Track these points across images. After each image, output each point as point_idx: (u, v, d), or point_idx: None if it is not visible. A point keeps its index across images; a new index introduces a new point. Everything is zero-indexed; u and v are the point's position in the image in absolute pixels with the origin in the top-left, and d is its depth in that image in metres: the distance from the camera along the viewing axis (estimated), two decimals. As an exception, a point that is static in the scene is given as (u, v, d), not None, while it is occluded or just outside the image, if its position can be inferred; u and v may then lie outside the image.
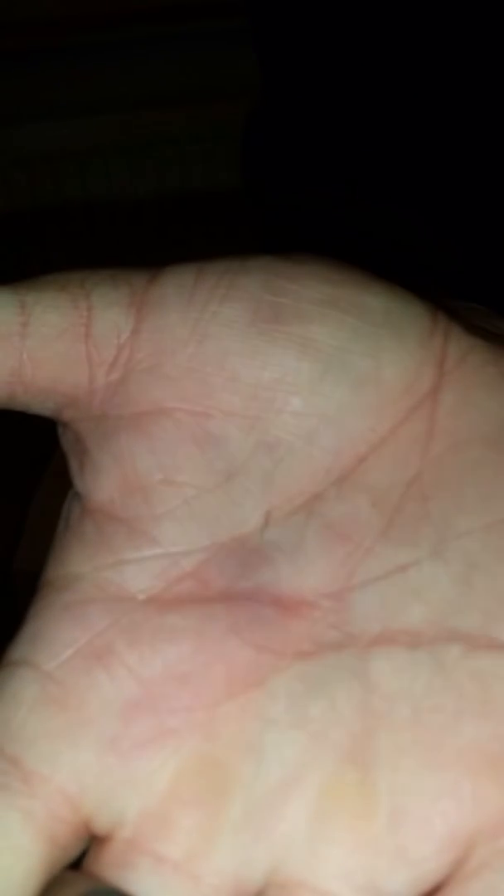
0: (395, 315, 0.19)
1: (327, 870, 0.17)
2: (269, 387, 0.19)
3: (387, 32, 0.35)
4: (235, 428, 0.19)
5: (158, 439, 0.19)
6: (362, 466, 0.19)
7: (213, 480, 0.19)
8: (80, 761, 0.17)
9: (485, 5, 0.34)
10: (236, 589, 0.19)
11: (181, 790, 0.17)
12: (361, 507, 0.19)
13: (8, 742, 0.18)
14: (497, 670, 0.17)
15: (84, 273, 0.20)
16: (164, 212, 0.87)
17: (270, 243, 0.39)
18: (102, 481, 0.19)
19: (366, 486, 0.19)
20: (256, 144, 0.42)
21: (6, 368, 0.19)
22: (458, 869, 0.17)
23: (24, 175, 0.86)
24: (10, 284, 0.20)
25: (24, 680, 0.18)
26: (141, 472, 0.19)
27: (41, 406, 0.20)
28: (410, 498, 0.19)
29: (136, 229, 0.87)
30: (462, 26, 0.34)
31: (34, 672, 0.18)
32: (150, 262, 0.20)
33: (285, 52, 0.39)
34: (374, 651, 0.18)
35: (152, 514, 0.19)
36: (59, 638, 0.18)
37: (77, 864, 0.18)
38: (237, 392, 0.19)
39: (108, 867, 0.17)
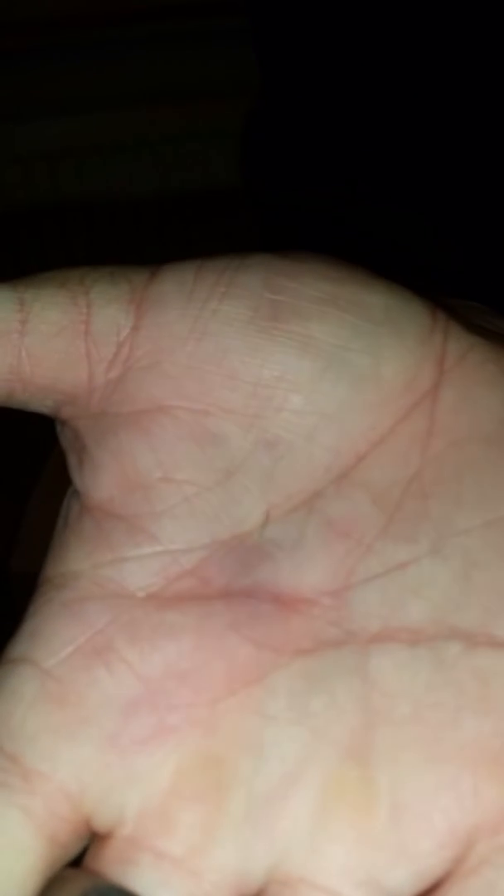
0: (395, 313, 0.19)
1: (328, 866, 0.17)
2: (268, 385, 0.19)
3: (386, 31, 0.35)
4: (235, 426, 0.19)
5: (158, 437, 0.19)
6: (362, 464, 0.19)
7: (213, 478, 0.19)
8: (80, 758, 0.18)
9: (485, 4, 0.34)
10: (236, 586, 0.19)
11: (182, 787, 0.17)
12: (361, 504, 0.19)
13: (8, 740, 0.18)
14: (497, 667, 0.17)
15: (83, 270, 0.20)
16: (163, 210, 0.87)
17: (270, 242, 0.39)
18: (102, 479, 0.19)
19: (366, 483, 0.19)
20: (256, 143, 0.42)
21: (5, 366, 0.19)
22: (458, 865, 0.17)
23: (22, 173, 0.86)
24: (8, 282, 0.20)
25: (23, 677, 0.18)
26: (140, 469, 0.19)
27: (40, 404, 0.20)
28: (410, 495, 0.19)
29: (135, 228, 0.87)
30: (462, 25, 0.34)
31: (34, 669, 0.18)
32: (149, 261, 0.20)
33: (285, 50, 0.39)
34: (374, 648, 0.18)
35: (152, 512, 0.19)
36: (58, 635, 0.18)
37: (78, 862, 0.18)
38: (237, 390, 0.19)
39: (109, 864, 0.17)
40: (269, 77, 0.40)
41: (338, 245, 0.24)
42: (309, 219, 0.37)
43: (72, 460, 0.20)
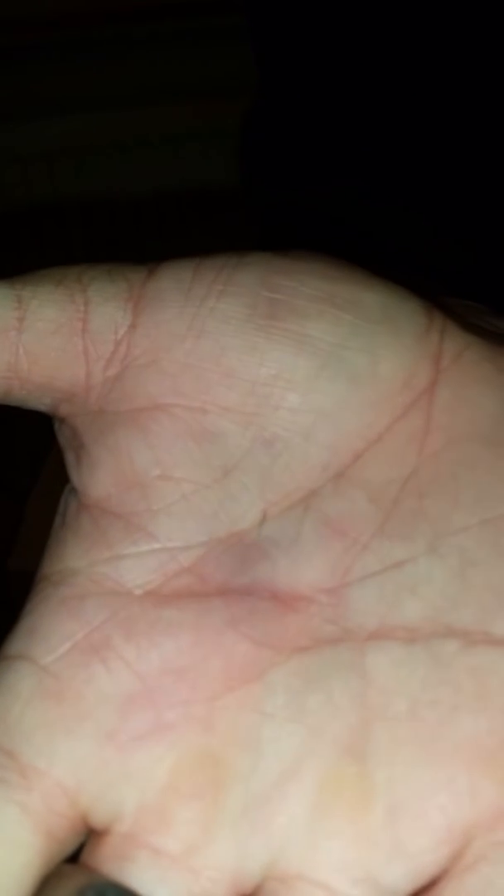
0: (392, 312, 0.19)
1: (325, 863, 0.17)
2: (266, 383, 0.19)
3: (385, 30, 0.35)
4: (232, 424, 0.19)
5: (155, 435, 0.19)
6: (359, 462, 0.19)
7: (211, 476, 0.19)
8: (78, 755, 0.18)
9: (484, 3, 0.34)
10: (234, 584, 0.19)
11: (179, 784, 0.17)
12: (358, 502, 0.19)
13: (5, 736, 0.18)
14: (493, 665, 0.18)
15: (81, 268, 0.20)
16: (161, 209, 0.87)
17: (268, 241, 0.40)
18: (99, 476, 0.19)
19: (363, 482, 0.19)
20: (254, 142, 0.42)
21: (2, 363, 0.19)
22: (454, 862, 0.17)
23: (20, 172, 0.86)
24: (6, 279, 0.20)
25: (20, 674, 0.18)
26: (138, 467, 0.19)
27: (37, 401, 0.20)
28: (407, 494, 0.19)
29: (134, 227, 0.87)
30: (461, 24, 0.34)
31: (31, 666, 0.18)
32: (147, 259, 0.20)
33: (283, 49, 0.39)
34: (370, 646, 0.18)
35: (149, 510, 0.19)
36: (55, 632, 0.18)
37: (74, 858, 0.18)
38: (234, 388, 0.19)
39: (106, 861, 0.17)
40: (267, 76, 0.40)
41: (336, 244, 0.24)
42: (307, 218, 0.37)
43: (69, 458, 0.20)
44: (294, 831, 0.17)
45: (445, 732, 0.17)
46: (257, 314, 0.19)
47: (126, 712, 0.18)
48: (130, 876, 0.17)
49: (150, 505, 0.19)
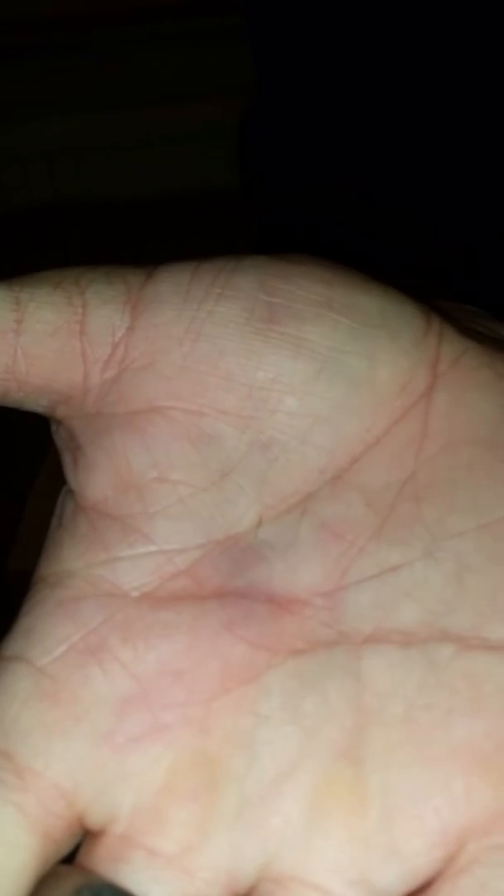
0: (390, 316, 0.19)
1: (319, 864, 0.17)
2: (263, 386, 0.19)
3: (385, 29, 0.35)
4: (230, 427, 0.19)
5: (153, 437, 0.19)
6: (356, 466, 0.19)
7: (208, 479, 0.19)
8: (74, 756, 0.18)
9: (484, 3, 0.34)
10: (230, 586, 0.19)
11: (175, 785, 0.17)
12: (355, 506, 0.19)
13: (1, 737, 0.18)
14: (488, 670, 0.18)
15: (79, 270, 0.20)
16: (160, 210, 0.87)
17: (267, 241, 0.40)
18: (96, 479, 0.19)
19: (360, 485, 0.19)
20: (253, 142, 0.42)
21: (0, 365, 0.19)
22: (448, 865, 0.17)
23: (20, 173, 0.86)
24: (4, 281, 0.20)
25: (17, 675, 0.18)
26: (135, 469, 0.19)
27: (35, 403, 0.20)
28: (404, 498, 0.19)
29: (133, 228, 0.87)
30: (461, 23, 0.34)
31: (27, 667, 0.18)
32: (146, 261, 0.20)
33: (282, 49, 0.39)
34: (366, 649, 0.18)
35: (146, 512, 0.19)
36: (52, 634, 0.18)
37: (70, 859, 0.18)
38: (232, 391, 0.19)
39: (102, 862, 0.17)
40: (266, 76, 0.40)
41: (334, 245, 0.24)
42: (306, 218, 0.37)
43: (66, 460, 0.20)
44: (289, 833, 0.17)
45: (440, 736, 0.17)
46: (255, 318, 0.19)
47: (122, 714, 0.18)
48: (126, 877, 0.17)
49: (147, 507, 0.19)
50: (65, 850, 0.18)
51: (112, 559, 0.19)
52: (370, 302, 0.19)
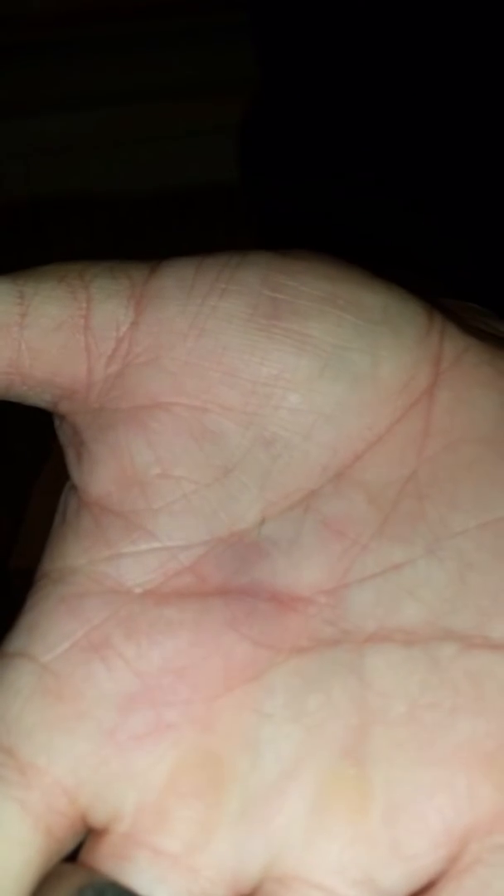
0: (393, 313, 0.19)
1: (323, 864, 0.17)
2: (267, 383, 0.19)
3: (387, 28, 0.35)
4: (233, 423, 0.19)
5: (156, 433, 0.19)
6: (359, 463, 0.19)
7: (211, 475, 0.19)
8: (77, 753, 0.18)
9: (485, 2, 0.34)
10: (233, 584, 0.19)
11: (178, 783, 0.17)
12: (358, 504, 0.19)
13: (4, 733, 0.18)
14: (491, 669, 0.18)
15: (83, 265, 0.20)
16: (163, 207, 0.87)
17: (269, 238, 0.40)
18: (99, 474, 0.19)
19: (362, 483, 0.19)
20: (255, 139, 0.42)
21: (4, 359, 0.19)
22: (452, 864, 0.17)
23: (24, 169, 0.86)
24: (8, 275, 0.20)
25: (20, 671, 0.18)
26: (138, 465, 0.19)
27: (38, 398, 0.20)
28: (406, 496, 0.19)
29: (136, 224, 0.87)
30: (463, 22, 0.34)
31: (31, 664, 0.18)
32: (149, 257, 0.20)
33: (285, 47, 0.39)
34: (369, 648, 0.18)
35: (149, 508, 0.19)
36: (55, 630, 0.18)
37: (73, 858, 0.18)
38: (235, 387, 0.19)
39: (105, 860, 0.17)
40: (268, 73, 0.40)
41: (336, 242, 0.24)
42: (307, 215, 0.37)
43: (70, 455, 0.20)
44: (292, 832, 0.17)
45: (443, 735, 0.17)
46: (259, 313, 0.19)
47: (126, 711, 0.18)
48: (129, 875, 0.17)
49: (151, 503, 0.19)
50: (68, 848, 0.18)
51: (115, 555, 0.19)
52: (373, 299, 0.19)
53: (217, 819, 0.17)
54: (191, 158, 0.86)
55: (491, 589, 0.18)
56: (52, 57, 0.82)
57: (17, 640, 0.19)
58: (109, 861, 0.17)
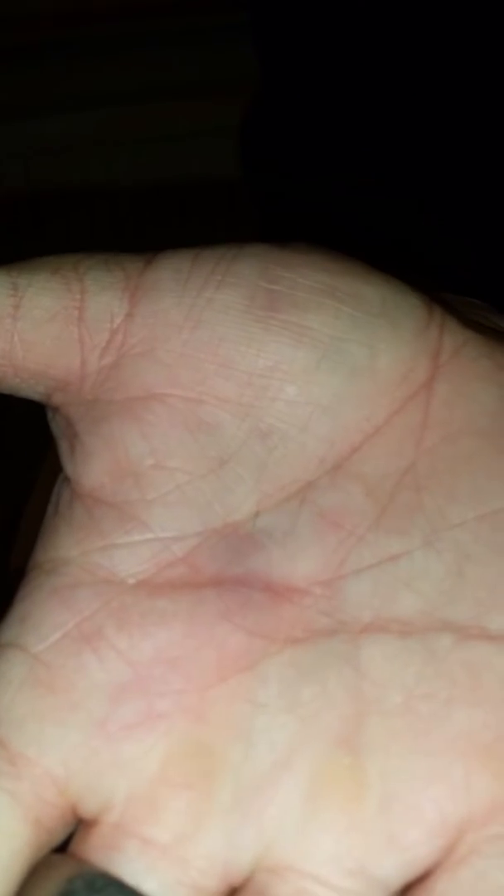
0: (391, 305, 0.19)
1: (317, 854, 0.17)
2: (263, 374, 0.19)
3: (387, 28, 0.35)
4: (229, 415, 0.19)
5: (150, 424, 0.19)
6: (356, 456, 0.19)
7: (206, 466, 0.19)
8: (68, 744, 0.17)
9: (485, 2, 0.34)
10: (228, 574, 0.19)
11: (170, 774, 0.17)
12: (355, 495, 0.19)
13: None
14: (488, 660, 0.17)
15: (78, 257, 0.20)
16: (163, 206, 0.87)
17: (269, 234, 0.40)
18: (93, 466, 0.19)
19: (359, 475, 0.19)
20: (256, 137, 0.42)
21: None
22: (447, 855, 0.17)
23: (24, 169, 0.86)
24: (3, 266, 0.20)
25: (12, 662, 0.18)
26: (132, 456, 0.19)
27: (31, 390, 0.20)
28: (404, 488, 0.19)
29: (136, 223, 0.87)
30: (463, 21, 0.34)
31: (22, 654, 0.18)
32: (146, 250, 0.20)
33: (285, 47, 0.39)
34: (365, 638, 0.18)
35: (143, 499, 0.19)
36: (47, 621, 0.18)
37: (63, 848, 0.18)
38: (231, 379, 0.19)
39: (96, 850, 0.17)
40: (269, 72, 0.40)
41: (336, 237, 0.24)
42: (307, 213, 0.37)
43: (63, 447, 0.20)
44: (286, 822, 0.17)
45: (439, 725, 0.17)
46: (256, 305, 0.19)
47: (117, 702, 0.18)
48: (119, 866, 0.17)
49: (144, 495, 0.19)
50: (58, 838, 0.18)
51: (108, 546, 0.19)
52: (372, 291, 0.19)
53: (208, 809, 0.17)
54: (191, 158, 0.86)
55: (488, 581, 0.18)
56: (51, 57, 0.82)
57: (9, 630, 0.19)
58: (99, 851, 0.17)
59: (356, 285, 0.19)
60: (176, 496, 0.19)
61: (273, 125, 0.40)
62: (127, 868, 0.17)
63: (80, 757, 0.17)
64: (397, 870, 0.17)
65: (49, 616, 0.18)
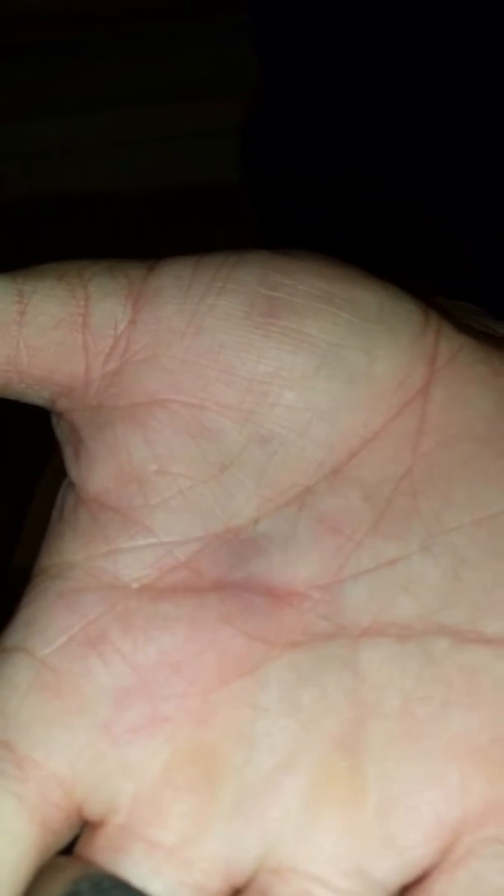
0: (389, 312, 0.19)
1: (317, 855, 0.17)
2: (263, 380, 0.19)
3: (387, 28, 0.36)
4: (230, 420, 0.19)
5: (153, 430, 0.19)
6: (354, 461, 0.19)
7: (208, 472, 0.19)
8: (74, 747, 0.18)
9: (485, 2, 0.34)
10: (229, 579, 0.19)
11: (174, 776, 0.18)
12: (353, 500, 0.19)
13: (2, 727, 0.18)
14: (484, 663, 0.18)
15: (82, 263, 0.20)
16: (164, 206, 0.87)
17: (270, 238, 0.40)
18: (97, 471, 0.19)
19: (357, 480, 0.19)
20: (256, 140, 0.42)
21: (2, 357, 0.19)
22: (444, 856, 0.17)
23: (24, 171, 0.86)
24: (7, 273, 0.20)
25: (18, 666, 0.18)
26: (136, 462, 0.19)
27: (36, 395, 0.20)
28: (401, 493, 0.19)
29: (136, 225, 0.87)
30: (463, 21, 0.34)
31: (28, 658, 0.18)
32: (149, 257, 0.20)
33: (285, 47, 0.39)
34: (363, 642, 0.18)
35: (146, 504, 0.19)
36: (53, 625, 0.18)
37: (69, 850, 0.18)
38: (232, 385, 0.19)
39: (101, 852, 0.17)
40: (268, 74, 0.40)
41: (335, 241, 0.24)
42: (308, 214, 0.37)
43: (67, 452, 0.20)
44: (287, 824, 0.17)
45: (437, 728, 0.17)
46: (256, 312, 0.19)
47: (122, 705, 0.18)
48: (125, 867, 0.17)
49: (148, 500, 0.19)
50: (64, 840, 0.18)
51: (113, 551, 0.19)
52: (370, 297, 0.19)
53: (212, 812, 0.17)
54: (192, 159, 0.86)
55: (484, 584, 0.18)
56: (51, 59, 0.82)
57: (15, 634, 0.19)
58: (105, 853, 0.17)
59: (354, 291, 0.19)
60: (179, 501, 0.19)
61: (273, 126, 0.40)
62: (132, 869, 0.17)
63: (86, 760, 0.18)
64: (395, 871, 0.17)
65: (55, 620, 0.19)
